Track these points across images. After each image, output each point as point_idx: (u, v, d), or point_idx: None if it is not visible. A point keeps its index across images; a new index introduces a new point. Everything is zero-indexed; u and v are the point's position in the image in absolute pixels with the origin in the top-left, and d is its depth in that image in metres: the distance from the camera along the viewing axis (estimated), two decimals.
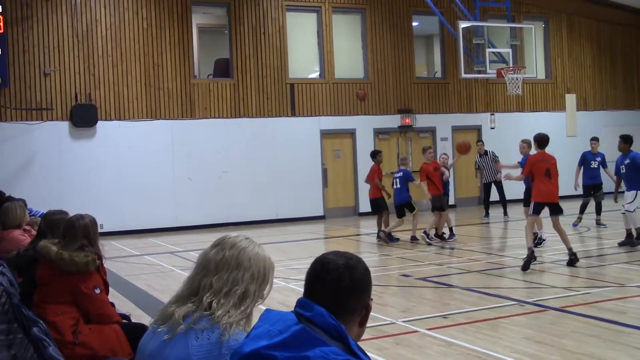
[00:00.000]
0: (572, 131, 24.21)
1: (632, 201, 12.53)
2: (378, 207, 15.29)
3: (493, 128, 23.41)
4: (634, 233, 12.60)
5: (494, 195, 19.06)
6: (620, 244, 12.75)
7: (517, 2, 22.67)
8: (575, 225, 15.67)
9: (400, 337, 7.28)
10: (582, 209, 16.01)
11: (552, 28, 24.86)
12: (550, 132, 23.40)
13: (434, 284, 10.23)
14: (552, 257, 12.24)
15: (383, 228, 14.93)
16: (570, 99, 24.73)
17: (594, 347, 6.67)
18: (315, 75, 21.55)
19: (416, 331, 7.46)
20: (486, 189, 19.36)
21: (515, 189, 17.75)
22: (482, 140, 20.13)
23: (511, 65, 19.70)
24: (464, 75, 19.53)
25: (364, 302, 2.47)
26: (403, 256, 13.00)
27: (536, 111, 24.30)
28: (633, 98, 26.37)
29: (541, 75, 24.11)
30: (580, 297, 8.93)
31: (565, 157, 22.94)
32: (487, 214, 19.19)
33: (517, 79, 19.42)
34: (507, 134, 23.17)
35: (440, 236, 14.61)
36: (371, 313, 2.51)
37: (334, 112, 21.20)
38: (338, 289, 2.41)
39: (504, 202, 19.03)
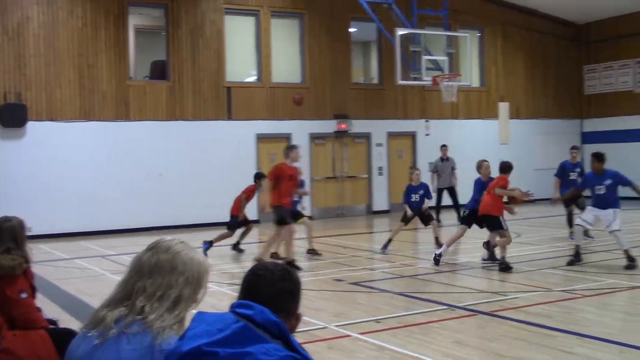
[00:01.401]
0: (504, 139, 24.71)
1: (617, 221, 11.56)
2: (238, 225, 14.42)
3: (428, 135, 23.73)
4: (624, 255, 11.44)
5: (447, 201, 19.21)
6: (570, 263, 11.80)
7: (454, 11, 23.05)
8: (573, 238, 14.21)
9: (332, 341, 7.34)
10: (570, 220, 14.92)
11: (487, 37, 25.36)
12: (484, 140, 24.17)
13: (367, 288, 10.33)
14: (482, 262, 12.46)
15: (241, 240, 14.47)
16: (504, 107, 25.25)
17: (522, 350, 6.85)
18: (253, 79, 21.50)
19: (348, 335, 7.53)
20: (439, 194, 19.26)
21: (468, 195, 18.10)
22: (446, 145, 19.88)
23: (447, 72, 20.03)
24: (400, 82, 19.76)
25: (298, 307, 2.53)
26: (336, 261, 13.07)
27: (470, 119, 24.74)
28: (563, 108, 27.08)
29: (476, 83, 24.56)
30: (509, 301, 9.15)
31: (498, 164, 23.44)
32: (437, 219, 19.16)
33: (452, 87, 19.75)
34: (441, 140, 23.47)
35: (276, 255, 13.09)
36: (304, 317, 2.55)
37: (271, 117, 21.18)
38: (282, 288, 2.46)
39: (458, 208, 19.17)
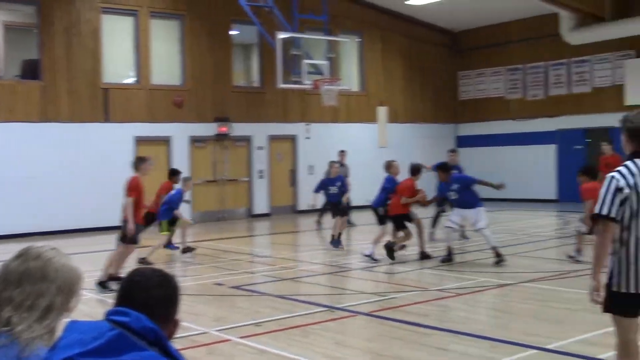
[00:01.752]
0: (383, 142, 25.21)
1: (482, 219, 12.23)
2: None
3: (308, 138, 23.92)
4: (493, 252, 12.11)
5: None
6: (443, 261, 12.40)
7: (334, 16, 23.33)
8: (434, 239, 15.00)
9: (212, 346, 7.28)
10: (435, 221, 15.50)
11: (367, 43, 25.81)
12: (363, 143, 24.62)
13: (247, 292, 10.30)
14: (361, 264, 12.68)
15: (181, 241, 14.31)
16: (382, 111, 25.76)
17: (400, 349, 7.01)
18: (131, 80, 21.02)
19: (228, 340, 7.48)
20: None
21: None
22: (344, 150, 20.13)
23: (327, 77, 20.24)
24: (281, 85, 19.81)
25: (176, 314, 2.48)
26: (216, 265, 12.97)
27: (350, 122, 25.12)
28: (440, 112, 27.94)
29: (356, 87, 24.97)
30: (387, 301, 9.35)
31: (377, 167, 23.90)
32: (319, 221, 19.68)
33: (332, 91, 19.98)
34: (321, 144, 23.80)
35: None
36: (183, 323, 2.51)
37: (150, 119, 20.76)
38: (159, 294, 2.41)
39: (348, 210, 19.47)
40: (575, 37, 23.22)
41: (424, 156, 24.77)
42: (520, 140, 25.57)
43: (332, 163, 15.27)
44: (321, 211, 18.99)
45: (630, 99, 22.61)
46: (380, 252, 12.58)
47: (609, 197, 4.58)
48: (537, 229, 17.63)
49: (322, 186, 14.89)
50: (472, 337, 7.33)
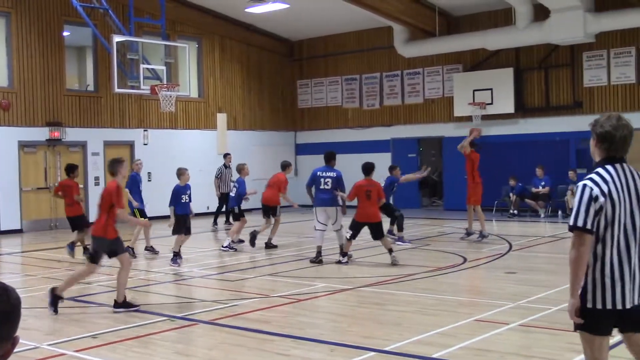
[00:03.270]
0: (222, 149, 25.09)
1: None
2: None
3: (146, 144, 23.41)
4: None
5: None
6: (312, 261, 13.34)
7: (173, 21, 22.98)
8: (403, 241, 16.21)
9: None
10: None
11: (205, 49, 25.64)
12: (203, 150, 24.41)
13: (83, 303, 9.92)
14: (201, 271, 12.55)
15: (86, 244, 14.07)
16: (221, 118, 25.69)
17: (241, 356, 6.99)
18: None
19: (63, 354, 7.17)
20: (222, 199, 20.54)
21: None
22: (229, 154, 21.60)
23: (165, 82, 19.90)
24: (117, 90, 19.24)
25: (14, 332, 2.29)
26: (49, 276, 12.39)
27: (189, 129, 24.83)
28: (278, 120, 28.21)
29: (194, 93, 24.70)
30: (228, 309, 9.29)
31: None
32: (215, 223, 20.69)
33: (170, 96, 19.67)
34: (159, 150, 23.36)
35: None
36: None
37: None
38: None
39: (228, 213, 19.53)
40: (407, 50, 24.24)
41: (264, 163, 24.94)
42: (357, 148, 26.24)
43: (183, 170, 14.24)
44: (217, 213, 20.92)
45: (458, 110, 23.85)
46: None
47: (583, 207, 4.18)
48: None
49: (175, 195, 13.83)
50: (312, 342, 7.43)
